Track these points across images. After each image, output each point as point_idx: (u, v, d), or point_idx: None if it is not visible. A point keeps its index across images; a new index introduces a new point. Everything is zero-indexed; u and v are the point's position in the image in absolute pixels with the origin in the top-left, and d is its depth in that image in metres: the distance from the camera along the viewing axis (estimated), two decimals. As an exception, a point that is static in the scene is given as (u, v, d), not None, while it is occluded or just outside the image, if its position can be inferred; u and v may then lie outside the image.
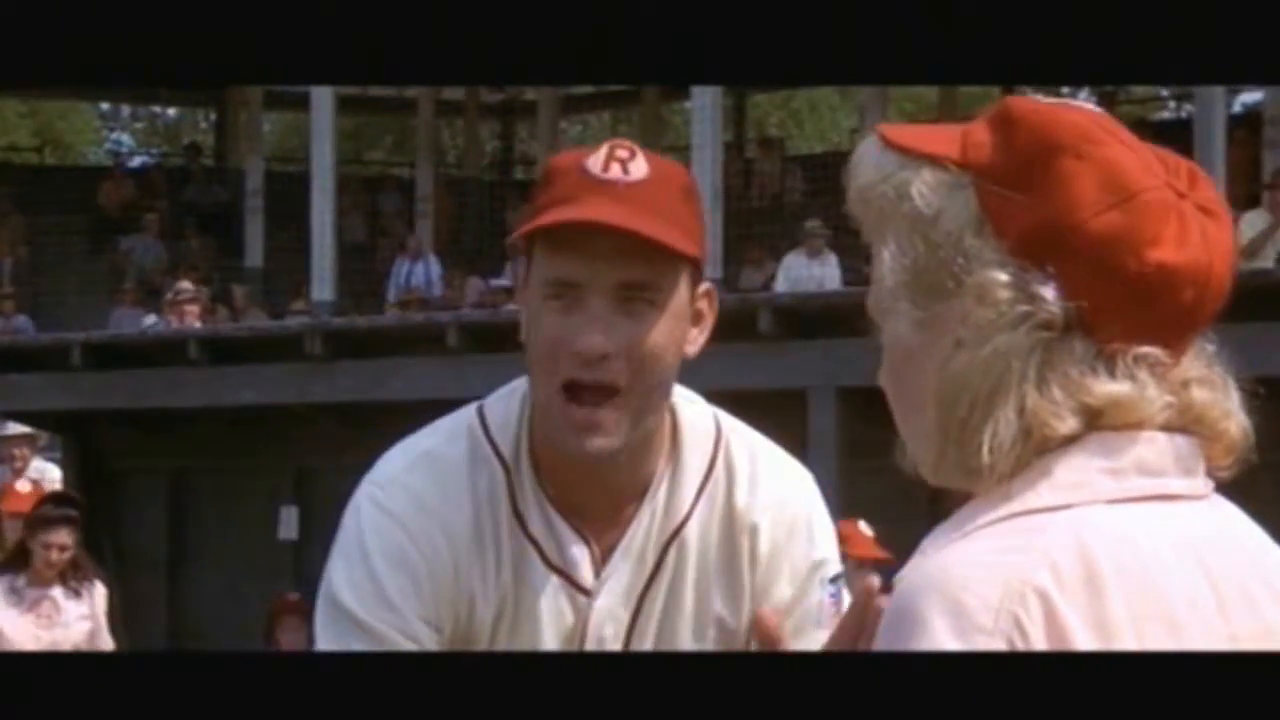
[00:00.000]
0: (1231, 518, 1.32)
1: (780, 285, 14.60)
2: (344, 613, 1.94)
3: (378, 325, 14.11)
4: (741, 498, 2.01)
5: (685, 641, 2.01)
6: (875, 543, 6.81)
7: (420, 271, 17.95)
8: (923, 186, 1.28)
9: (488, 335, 12.00)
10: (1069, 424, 1.24)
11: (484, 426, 1.99)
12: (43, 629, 7.54)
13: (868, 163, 1.32)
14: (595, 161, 1.89)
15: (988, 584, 1.19)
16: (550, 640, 1.98)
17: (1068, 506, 1.23)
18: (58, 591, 7.60)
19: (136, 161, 29.08)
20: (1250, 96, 20.77)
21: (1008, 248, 1.25)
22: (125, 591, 9.26)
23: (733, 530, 2.01)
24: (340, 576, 1.96)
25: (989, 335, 1.24)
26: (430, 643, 1.95)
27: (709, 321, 1.97)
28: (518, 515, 1.97)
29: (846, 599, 2.06)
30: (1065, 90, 13.50)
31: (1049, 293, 1.24)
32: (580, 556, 1.98)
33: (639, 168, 1.89)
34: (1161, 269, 1.24)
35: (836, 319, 10.83)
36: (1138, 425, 1.25)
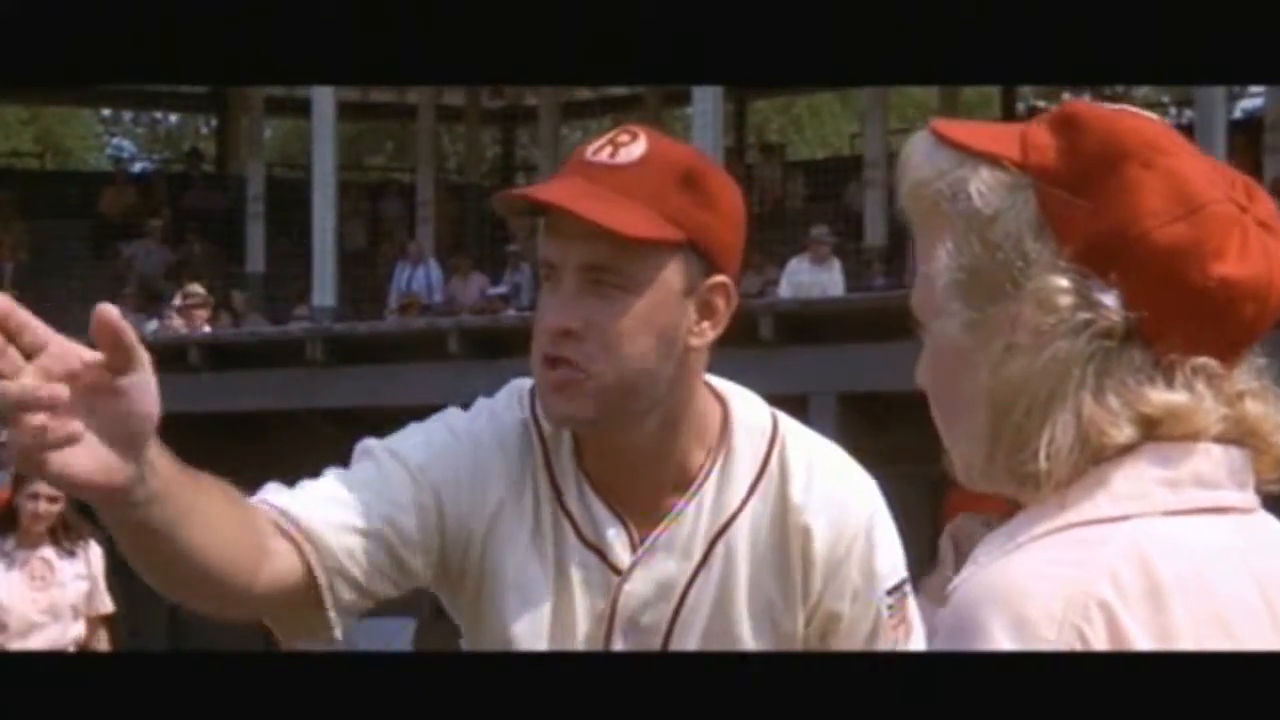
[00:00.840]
0: (1276, 531, 1.31)
1: (784, 290, 14.60)
2: (365, 446, 1.98)
3: (379, 331, 14.12)
4: (796, 496, 1.99)
5: (742, 637, 2.00)
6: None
7: (421, 276, 17.98)
8: (981, 185, 1.26)
9: (489, 341, 12.01)
10: (1125, 433, 1.23)
11: (532, 399, 2.01)
12: (38, 591, 7.16)
13: (920, 158, 1.30)
14: (595, 143, 1.92)
15: (1050, 596, 1.18)
16: (581, 619, 1.98)
17: (1126, 518, 1.22)
18: (50, 551, 7.19)
19: (138, 167, 29.12)
20: (1251, 102, 20.80)
21: (1069, 253, 1.24)
22: (125, 594, 9.22)
23: (785, 529, 1.99)
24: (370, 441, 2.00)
25: (1048, 341, 1.23)
26: (412, 521, 1.93)
27: (722, 315, 1.95)
28: (555, 488, 1.99)
29: (913, 605, 2.06)
30: (1066, 95, 13.51)
31: (1110, 301, 1.23)
32: (616, 537, 1.98)
33: (632, 151, 1.89)
34: (1224, 283, 1.24)
35: (837, 325, 10.83)
36: (1194, 436, 1.25)
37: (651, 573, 1.99)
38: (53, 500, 7.11)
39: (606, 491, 1.99)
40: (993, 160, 1.27)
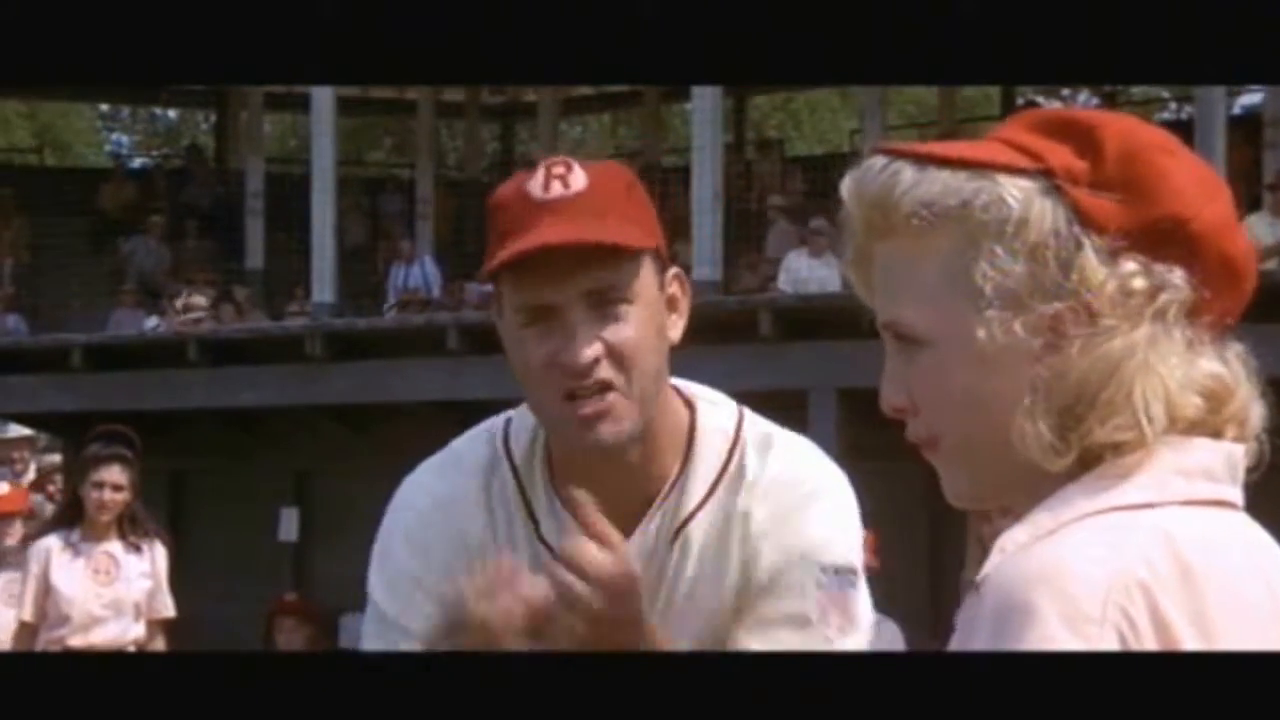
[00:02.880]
0: (1258, 528, 1.35)
1: (782, 283, 14.61)
2: (375, 610, 2.07)
3: (378, 327, 14.13)
4: (743, 492, 2.02)
5: (720, 640, 2.00)
6: (872, 549, 6.77)
7: (416, 274, 17.96)
8: (1011, 194, 1.30)
9: (488, 337, 12.01)
10: (1195, 402, 1.29)
11: (505, 432, 2.06)
12: (102, 585, 6.92)
13: (911, 179, 1.33)
14: (535, 185, 1.95)
15: (1093, 576, 1.21)
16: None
17: (1149, 505, 1.27)
18: (116, 546, 6.96)
19: (137, 163, 29.09)
20: (1250, 98, 20.78)
21: (1119, 244, 1.29)
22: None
23: (730, 522, 2.01)
24: (373, 577, 2.08)
25: (1136, 323, 1.28)
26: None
27: (684, 304, 2.02)
28: (533, 520, 2.03)
29: (860, 600, 2.02)
30: (1065, 92, 13.51)
31: (1178, 279, 1.29)
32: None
33: (578, 179, 1.94)
34: (1246, 256, 1.33)
35: (837, 320, 10.83)
36: (1227, 420, 1.30)
37: None
38: (118, 489, 6.93)
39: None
40: (1010, 171, 1.31)
